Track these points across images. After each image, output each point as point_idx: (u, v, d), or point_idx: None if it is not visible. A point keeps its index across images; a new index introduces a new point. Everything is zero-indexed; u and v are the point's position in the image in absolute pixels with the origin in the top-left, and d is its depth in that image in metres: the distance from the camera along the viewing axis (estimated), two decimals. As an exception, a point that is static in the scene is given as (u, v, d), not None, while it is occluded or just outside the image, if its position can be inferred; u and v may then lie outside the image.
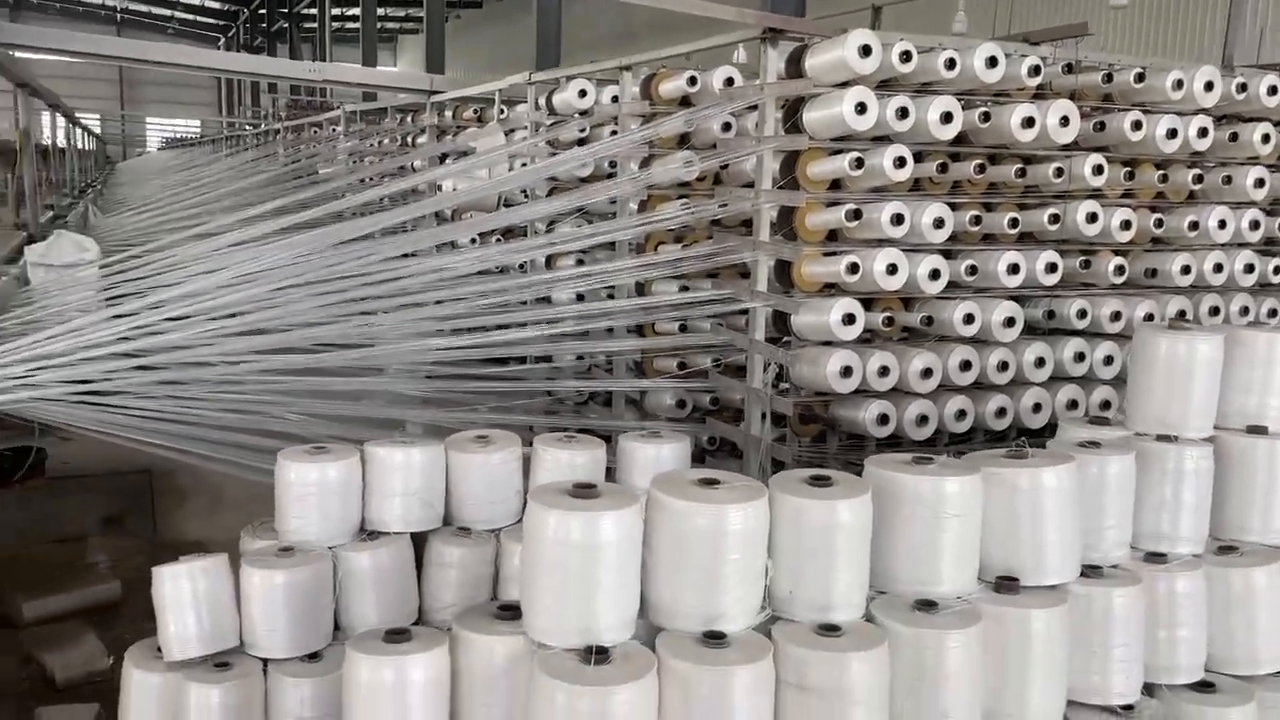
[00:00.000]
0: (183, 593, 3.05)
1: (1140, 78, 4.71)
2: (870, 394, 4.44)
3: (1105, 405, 4.86)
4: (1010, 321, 4.60)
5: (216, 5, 42.60)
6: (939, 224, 4.38)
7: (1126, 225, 4.77)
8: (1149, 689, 2.73)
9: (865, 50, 4.14)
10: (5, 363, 3.66)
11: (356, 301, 4.81)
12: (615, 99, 6.01)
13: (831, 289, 4.49)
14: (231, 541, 3.36)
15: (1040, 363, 4.73)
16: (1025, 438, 2.82)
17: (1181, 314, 5.01)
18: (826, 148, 4.36)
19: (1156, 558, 2.83)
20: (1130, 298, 4.92)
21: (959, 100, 4.35)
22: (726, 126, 5.28)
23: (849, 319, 4.32)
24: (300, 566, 3.10)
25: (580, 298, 5.71)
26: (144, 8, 43.59)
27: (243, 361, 4.13)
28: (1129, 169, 4.84)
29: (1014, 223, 4.67)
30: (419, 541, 3.38)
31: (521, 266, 6.35)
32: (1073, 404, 4.83)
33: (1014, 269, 4.60)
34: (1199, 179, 5.02)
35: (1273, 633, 2.90)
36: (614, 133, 5.90)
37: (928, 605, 2.36)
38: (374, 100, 12.93)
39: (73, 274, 6.24)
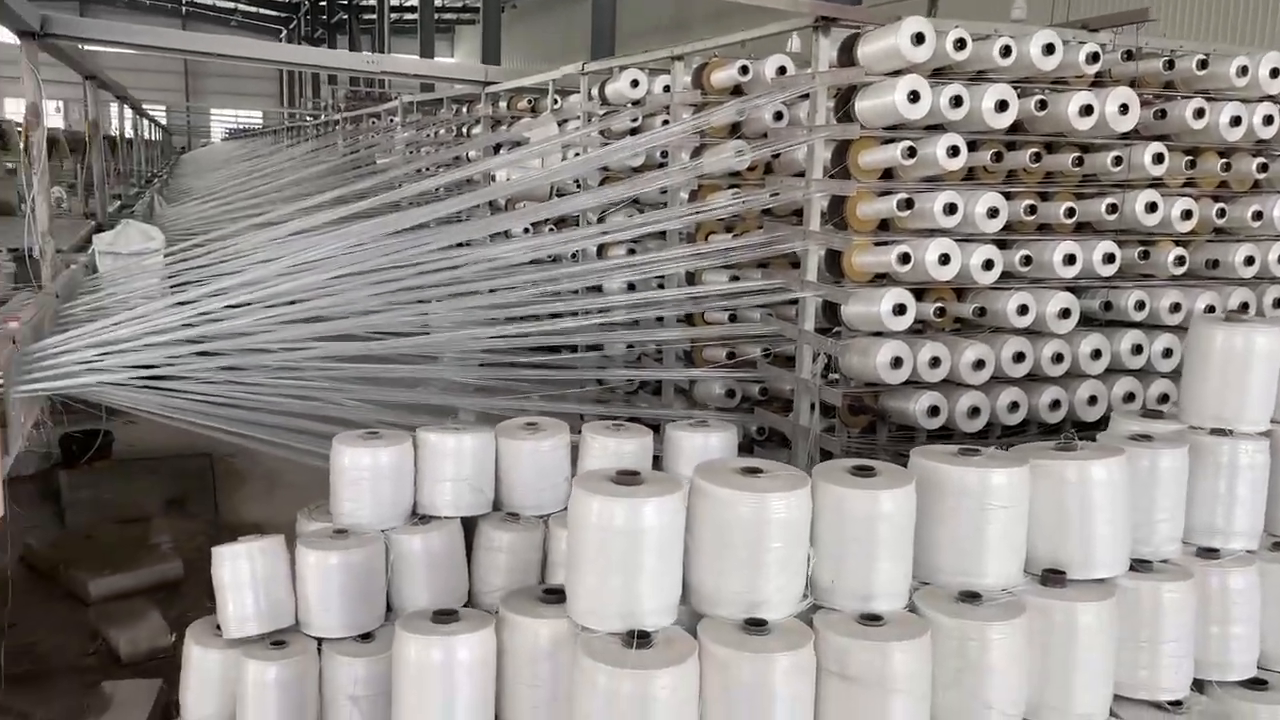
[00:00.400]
0: (241, 572, 3.14)
1: (1203, 64, 4.60)
2: (921, 385, 4.41)
3: (1163, 399, 4.77)
4: (1066, 313, 4.53)
5: (279, -1, 43.35)
6: (993, 213, 4.33)
7: (1188, 215, 4.67)
8: (1199, 685, 2.70)
9: (918, 38, 4.10)
10: (73, 348, 3.78)
11: (412, 290, 4.88)
12: (667, 89, 6.02)
13: (882, 279, 4.46)
14: (289, 524, 3.44)
15: (1096, 355, 4.66)
16: (1073, 430, 2.77)
17: (1244, 306, 4.90)
18: (878, 136, 4.33)
19: (1209, 553, 2.78)
20: (1191, 289, 4.82)
21: (1015, 88, 4.29)
22: (778, 115, 5.27)
23: (900, 309, 4.29)
24: (354, 549, 3.17)
25: (631, 287, 5.75)
26: (209, 0, 44.44)
27: (300, 348, 4.22)
28: (1191, 158, 4.73)
29: (1070, 212, 4.60)
30: (469, 526, 3.45)
31: (574, 256, 6.40)
32: (1130, 397, 4.75)
33: (1070, 259, 4.52)
34: (1263, 168, 4.90)
35: (1328, 630, 2.85)
36: (666, 122, 5.92)
37: (971, 597, 2.36)
38: (431, 91, 13.08)
39: (139, 262, 6.41)
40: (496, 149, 8.36)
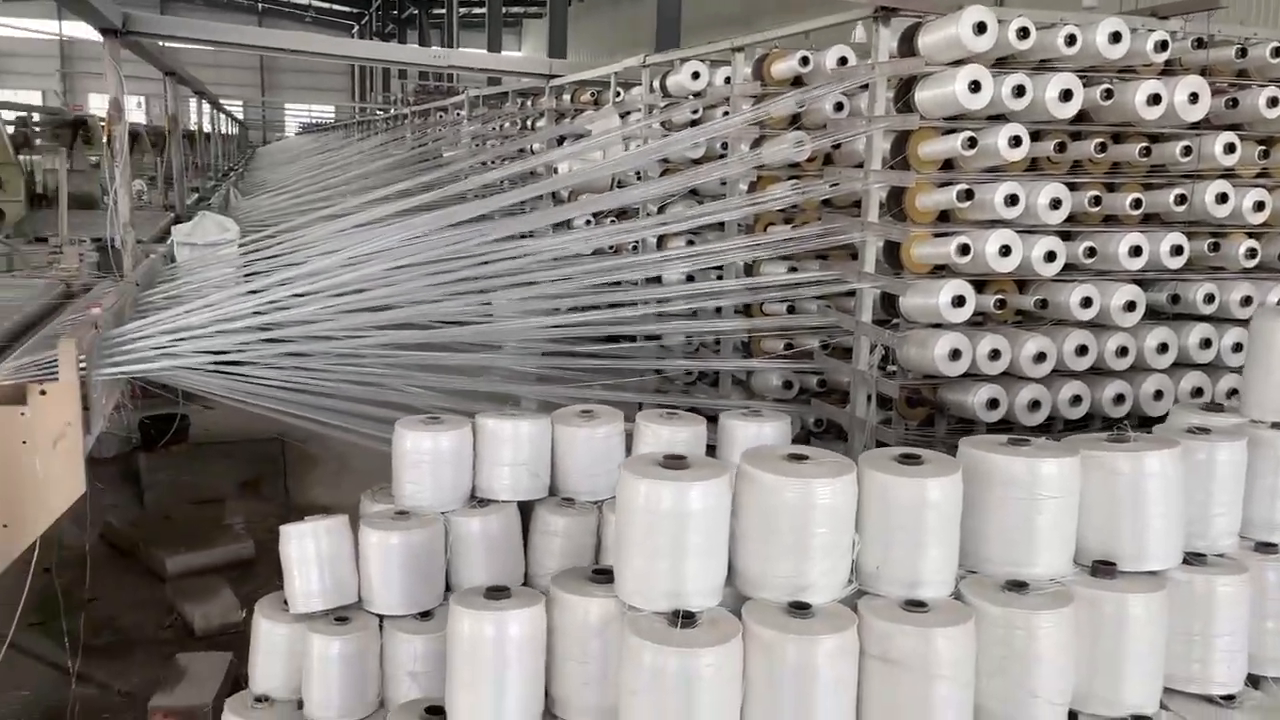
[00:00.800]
0: (307, 550, 3.27)
1: (1277, 52, 4.48)
2: (980, 378, 4.37)
3: (1232, 393, 4.66)
4: (1131, 305, 4.45)
5: (351, -6, 44.10)
6: (1056, 204, 4.27)
7: (1260, 206, 4.55)
8: (1253, 680, 2.66)
9: (980, 27, 4.06)
10: (149, 334, 3.95)
11: (474, 280, 4.98)
12: (728, 80, 6.03)
13: (942, 271, 4.43)
14: (357, 506, 3.56)
15: (1163, 349, 4.57)
16: (1126, 422, 2.75)
17: (1318, 299, 4.76)
18: (939, 127, 4.30)
19: (1267, 548, 2.74)
20: (1263, 282, 4.70)
21: (1080, 77, 4.23)
22: (839, 106, 5.25)
23: (959, 301, 4.26)
24: (414, 529, 3.27)
25: (690, 278, 5.78)
26: (284, -3, 45.47)
27: (363, 336, 4.34)
28: (1264, 147, 4.61)
29: (1137, 203, 4.51)
30: (526, 510, 3.53)
31: (634, 247, 6.46)
32: (1198, 392, 4.66)
33: (1136, 251, 4.44)
34: (1341, 158, 4.75)
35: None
36: (726, 114, 5.93)
37: (1019, 586, 2.36)
38: (498, 85, 13.25)
39: (214, 252, 6.64)
40: (560, 141, 8.46)
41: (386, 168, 10.54)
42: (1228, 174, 4.57)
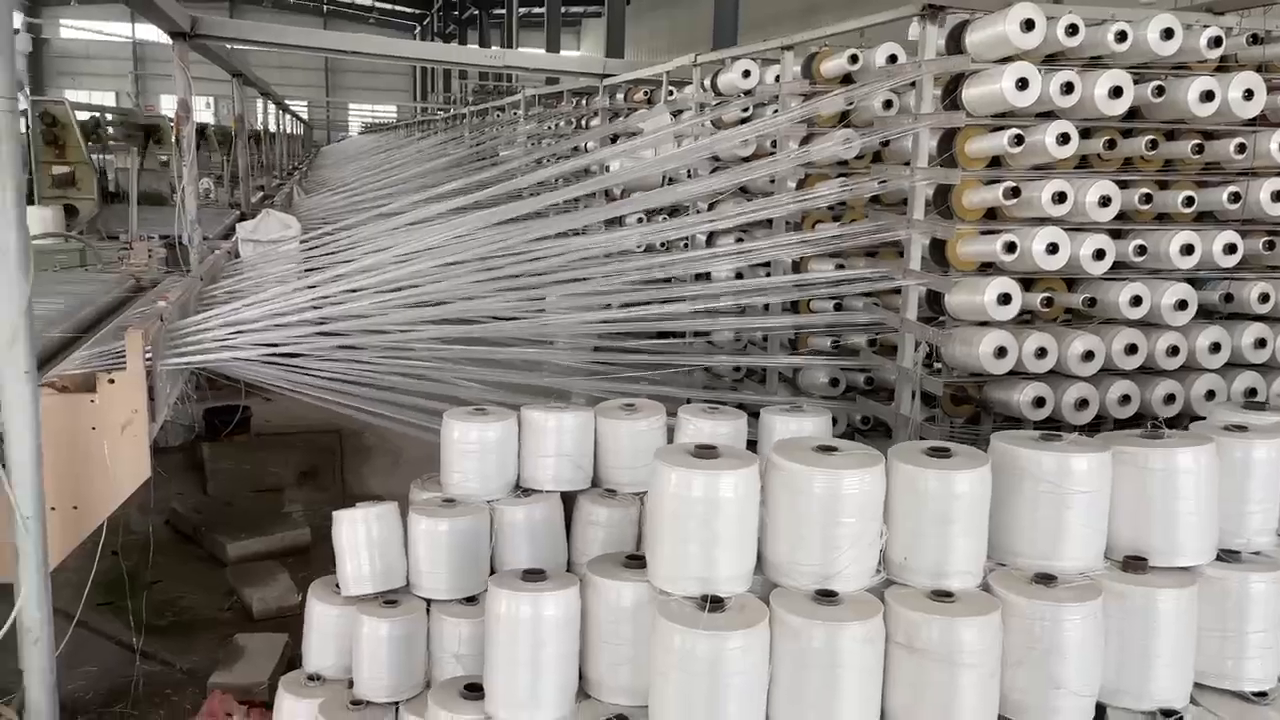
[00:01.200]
0: (358, 535, 3.39)
1: (1338, 46, 4.39)
2: (1026, 376, 4.35)
3: (1287, 394, 4.59)
4: (1182, 304, 4.40)
5: (414, -5, 44.75)
6: (1105, 202, 4.24)
7: (1318, 204, 4.46)
8: (1288, 678, 2.64)
9: (1028, 25, 4.05)
10: (209, 326, 4.12)
11: (527, 276, 5.08)
12: (778, 79, 6.06)
13: (988, 268, 4.42)
14: (409, 495, 3.68)
15: (1215, 348, 4.50)
16: (1160, 419, 2.74)
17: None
18: (986, 124, 4.29)
19: (1306, 546, 2.72)
20: (1321, 281, 4.61)
21: (1131, 74, 4.19)
22: (888, 104, 5.25)
23: (1005, 298, 4.25)
24: (461, 517, 3.38)
25: (738, 275, 5.82)
26: (347, -1, 46.27)
27: (413, 330, 4.47)
28: (1323, 144, 4.51)
29: (1189, 201, 4.45)
30: (569, 500, 3.61)
31: (684, 244, 6.51)
32: (1251, 392, 4.58)
33: (1188, 250, 4.38)
34: (1404, 155, 4.63)
35: None
36: (776, 112, 5.96)
37: (1047, 579, 2.38)
38: (555, 84, 13.38)
39: (276, 249, 6.84)
40: (613, 139, 8.55)
41: (444, 166, 10.71)
42: (1284, 171, 4.49)
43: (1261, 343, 4.57)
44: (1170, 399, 4.49)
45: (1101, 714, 2.44)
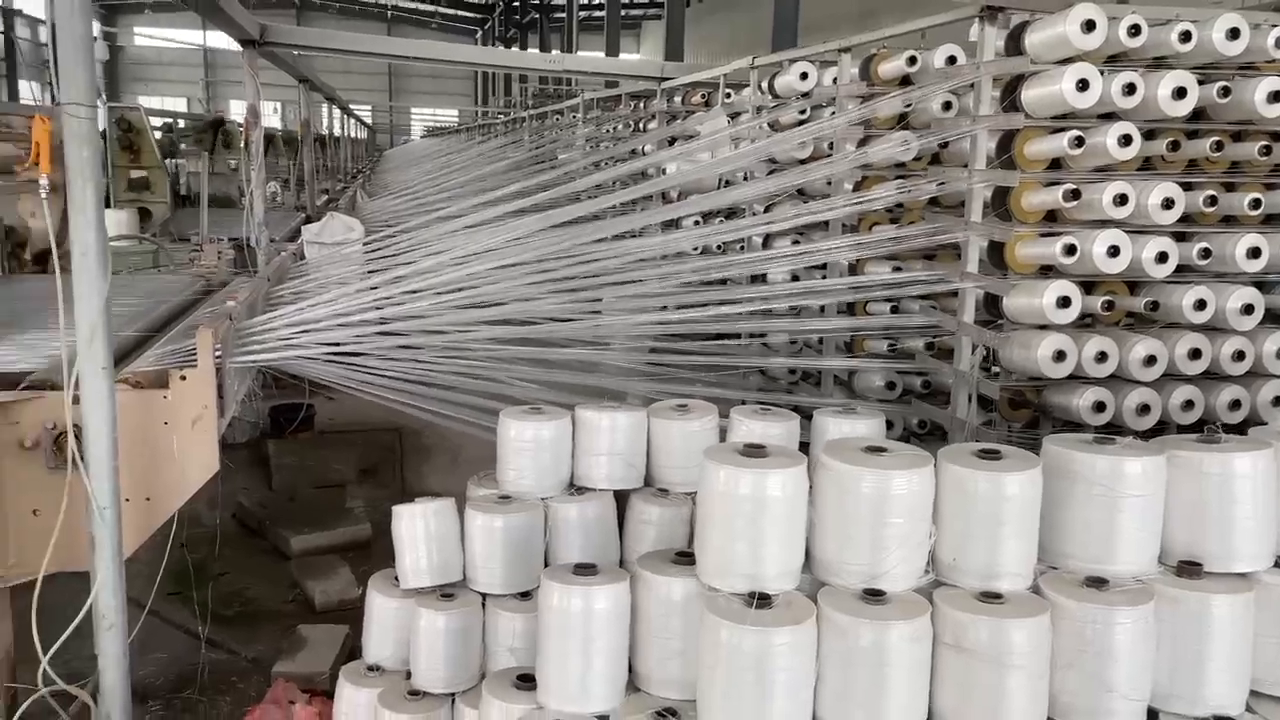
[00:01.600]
0: (417, 530, 3.48)
1: None
2: (1086, 380, 4.30)
3: (1359, 401, 4.46)
4: (1249, 309, 4.31)
5: (475, 0, 45.19)
6: (1168, 204, 4.17)
7: (1390, 206, 4.35)
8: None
9: (1089, 25, 4.00)
10: (275, 326, 4.24)
11: (584, 278, 5.15)
12: (836, 81, 6.05)
13: (1047, 271, 4.37)
14: (464, 495, 3.76)
15: (1283, 353, 4.41)
16: (1218, 424, 2.71)
17: None
18: (1045, 126, 4.25)
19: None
20: (1396, 286, 4.48)
21: (1196, 74, 4.12)
22: (947, 105, 5.22)
23: (1064, 302, 4.20)
24: (516, 514, 3.45)
25: (794, 277, 5.82)
26: (411, 4, 46.91)
27: (472, 330, 4.56)
28: (1396, 145, 4.39)
29: (1256, 203, 4.36)
30: (621, 499, 3.66)
31: (740, 246, 6.53)
32: (1320, 399, 4.47)
33: (1255, 253, 4.29)
34: None
35: None
36: (832, 114, 5.95)
37: (1098, 582, 2.36)
38: (615, 88, 13.47)
39: (340, 250, 7.00)
40: (670, 142, 8.58)
41: (504, 170, 10.85)
42: (1359, 173, 4.38)
43: (1332, 348, 4.45)
44: (1235, 405, 4.40)
45: (1153, 718, 2.42)
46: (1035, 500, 2.38)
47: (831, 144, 5.99)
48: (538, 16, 37.44)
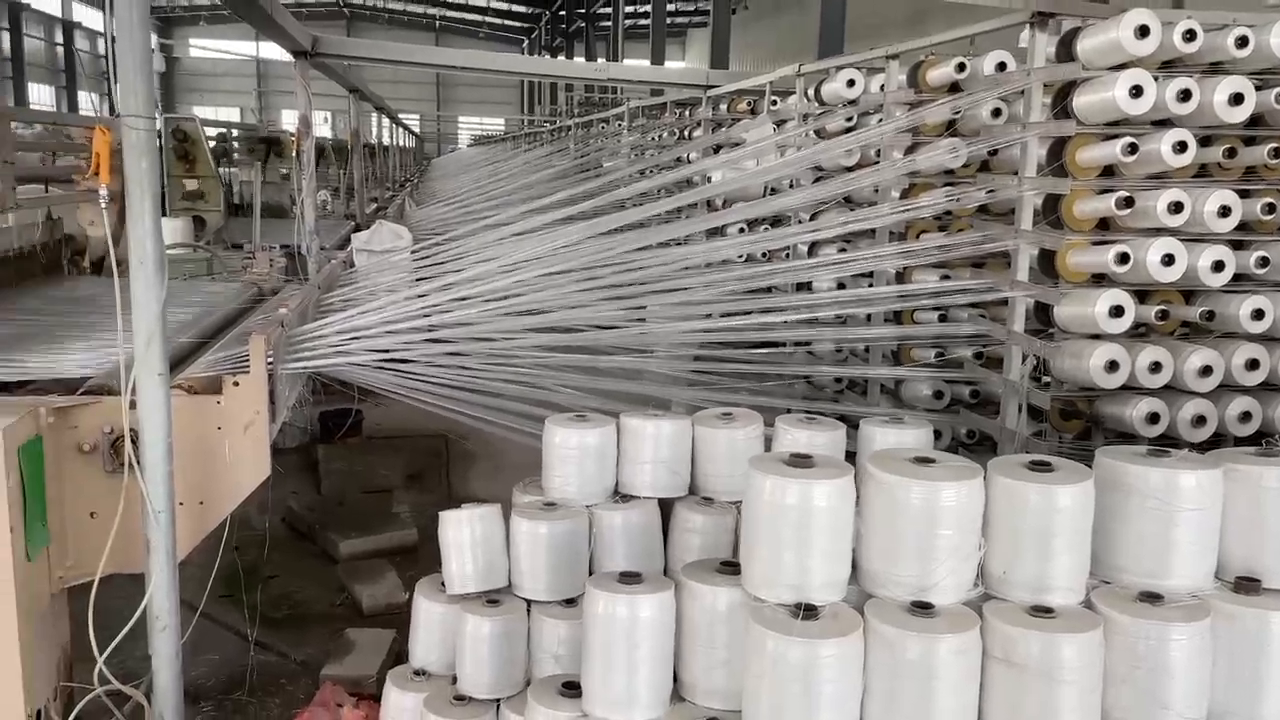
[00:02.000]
0: (463, 535, 3.51)
1: None
2: (1140, 391, 4.23)
3: None
4: (1309, 319, 4.21)
5: (522, 9, 45.54)
6: (1224, 212, 4.09)
7: None
8: None
9: (1143, 31, 3.94)
10: (325, 333, 4.30)
11: (627, 285, 5.16)
12: (883, 87, 6.01)
13: (1100, 280, 4.31)
14: (509, 501, 3.78)
15: (1345, 364, 4.29)
16: (1277, 437, 2.65)
17: None
18: (1098, 133, 4.19)
19: None
20: None
21: (1253, 80, 4.04)
22: (996, 112, 5.17)
23: (1117, 311, 4.13)
24: (560, 520, 3.47)
25: (840, 285, 5.79)
26: (458, 15, 47.40)
27: (518, 337, 4.59)
28: None
29: (1317, 211, 4.26)
30: (666, 507, 3.66)
31: (785, 254, 6.50)
32: (1384, 411, 4.35)
33: (1315, 261, 4.20)
34: None
35: None
36: (879, 121, 5.91)
37: (1152, 597, 2.32)
38: (660, 95, 13.50)
39: (388, 258, 7.08)
40: (715, 150, 8.58)
41: (550, 178, 10.90)
42: None
43: (1395, 359, 4.33)
44: (1296, 416, 4.30)
45: (1210, 737, 2.37)
46: (1087, 513, 2.35)
47: (878, 151, 5.96)
48: (584, 25, 37.63)
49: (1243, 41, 4.00)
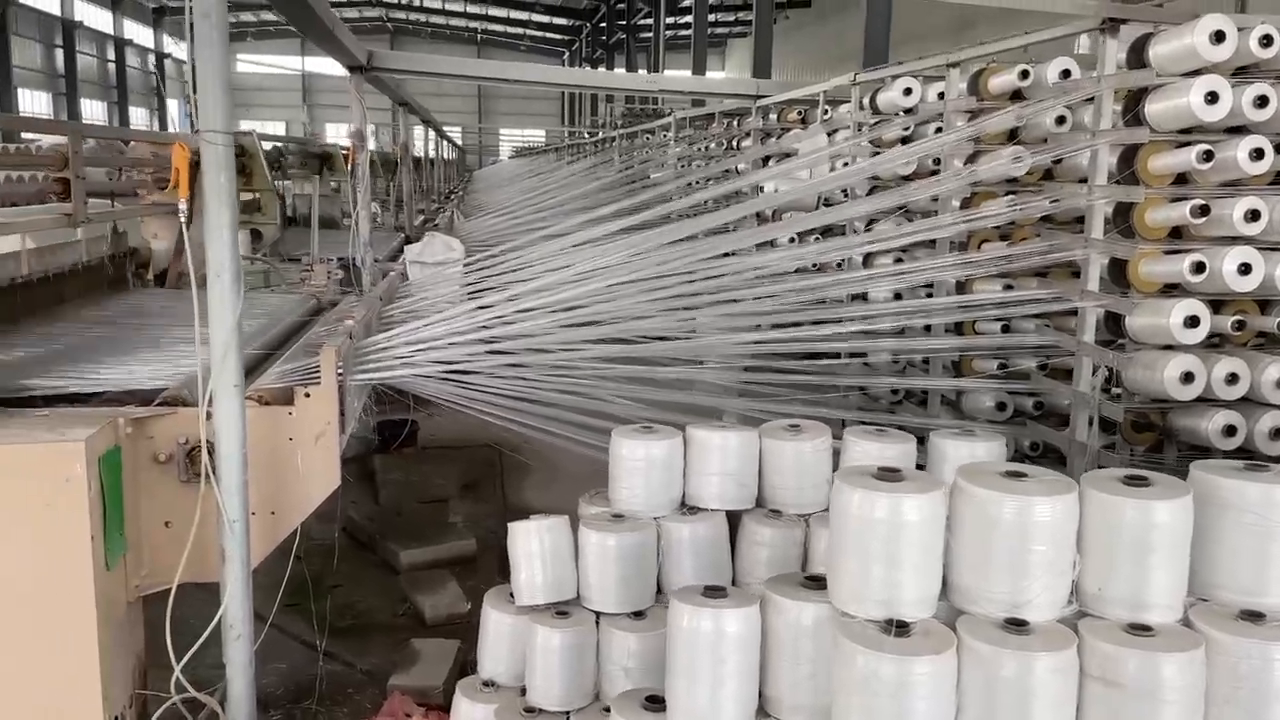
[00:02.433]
0: (532, 546, 3.51)
1: None
2: (1215, 403, 4.14)
3: None
4: (1390, 328, 4.11)
5: (562, 22, 45.85)
6: (1303, 220, 4.00)
7: None
8: None
9: (1218, 36, 3.88)
10: (393, 344, 4.34)
11: (682, 297, 5.15)
12: (942, 95, 5.96)
13: (1173, 289, 4.23)
14: (567, 510, 3.78)
15: None
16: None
17: None
18: (1171, 140, 4.12)
19: None
20: None
21: (1335, 84, 3.95)
22: (1060, 120, 5.10)
23: (1192, 321, 4.06)
24: (629, 532, 3.46)
25: (897, 296, 5.74)
26: (499, 28, 47.82)
27: (576, 349, 4.60)
28: None
29: (1398, 218, 4.15)
30: (733, 520, 3.64)
31: (839, 264, 6.45)
32: None
33: (1397, 270, 4.09)
34: None
35: None
36: (939, 130, 5.86)
37: (1253, 616, 2.26)
38: (702, 106, 13.50)
39: (442, 271, 7.13)
40: (765, 161, 8.55)
41: (596, 190, 10.93)
42: None
43: None
44: (1377, 429, 4.18)
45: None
46: (1186, 529, 2.29)
47: (936, 160, 5.90)
48: (624, 37, 37.80)
49: (1322, 46, 3.92)
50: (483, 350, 4.55)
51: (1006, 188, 5.41)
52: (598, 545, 3.44)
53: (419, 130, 18.13)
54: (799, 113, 8.90)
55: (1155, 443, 4.41)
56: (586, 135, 26.59)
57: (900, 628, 2.22)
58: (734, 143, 10.59)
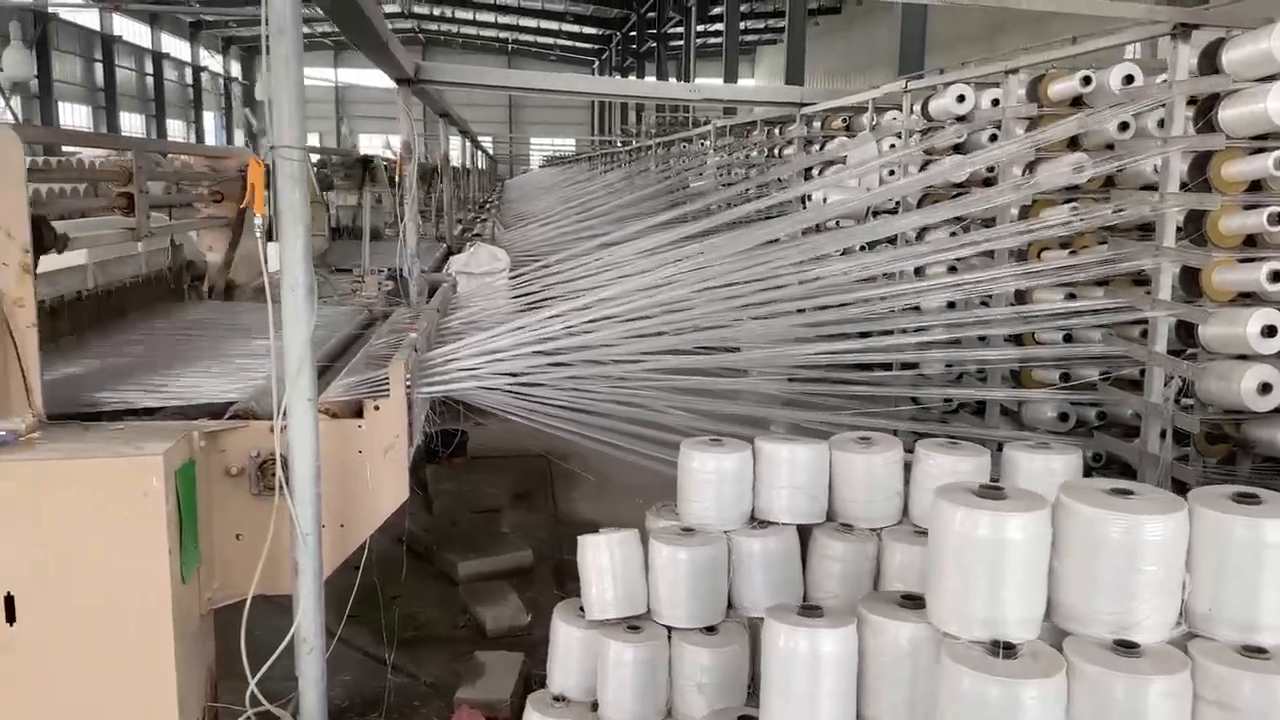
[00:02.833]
0: (603, 560, 3.48)
1: None
2: (1292, 414, 4.06)
3: None
4: None
5: (592, 31, 45.95)
6: (1383, 227, 3.92)
7: None
8: None
9: (1296, 40, 3.81)
10: (459, 356, 4.33)
11: (736, 309, 5.12)
12: (995, 102, 5.90)
13: (1248, 298, 4.16)
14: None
15: None
16: None
17: None
18: (1245, 147, 4.06)
19: None
20: None
21: None
22: (1123, 126, 5.04)
23: (1270, 331, 3.98)
24: (701, 546, 3.43)
25: (950, 305, 5.67)
26: (530, 38, 48.01)
27: (642, 360, 4.57)
28: None
29: None
30: (804, 534, 3.60)
31: (889, 275, 6.38)
32: None
33: None
34: None
35: None
36: (993, 137, 5.80)
37: (1374, 638, 2.20)
38: (733, 114, 13.46)
39: (489, 281, 7.14)
40: (808, 171, 8.51)
41: (636, 200, 10.92)
42: None
43: None
44: None
45: None
46: (1300, 548, 2.23)
47: (991, 167, 5.84)
48: (654, 45, 37.83)
49: (1405, 50, 3.83)
50: (547, 362, 4.54)
51: (1064, 195, 5.35)
52: (669, 559, 3.41)
53: (455, 140, 18.25)
54: (843, 120, 8.86)
55: (1228, 454, 4.33)
56: (619, 144, 26.57)
57: (1007, 649, 2.17)
58: (776, 151, 10.56)
